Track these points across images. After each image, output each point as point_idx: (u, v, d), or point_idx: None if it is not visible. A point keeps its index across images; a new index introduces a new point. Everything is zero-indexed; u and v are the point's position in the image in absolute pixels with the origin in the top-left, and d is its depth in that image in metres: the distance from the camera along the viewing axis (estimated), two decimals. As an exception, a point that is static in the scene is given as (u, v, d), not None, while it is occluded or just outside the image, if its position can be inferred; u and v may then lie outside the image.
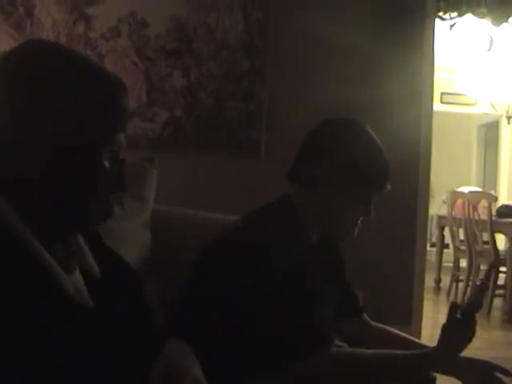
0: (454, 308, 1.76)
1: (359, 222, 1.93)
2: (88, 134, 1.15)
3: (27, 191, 1.13)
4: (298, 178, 1.90)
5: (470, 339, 1.72)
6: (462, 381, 1.73)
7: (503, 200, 9.25)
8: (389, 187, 1.94)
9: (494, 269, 6.27)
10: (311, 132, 1.95)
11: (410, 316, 4.34)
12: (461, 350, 1.73)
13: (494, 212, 6.95)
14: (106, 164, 1.18)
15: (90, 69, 1.18)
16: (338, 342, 2.17)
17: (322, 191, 1.84)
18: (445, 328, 1.76)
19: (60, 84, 1.13)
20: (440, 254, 8.15)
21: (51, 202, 1.15)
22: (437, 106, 6.20)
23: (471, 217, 7.05)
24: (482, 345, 5.17)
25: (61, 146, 1.13)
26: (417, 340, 2.12)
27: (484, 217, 6.84)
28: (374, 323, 2.12)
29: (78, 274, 1.19)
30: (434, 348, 1.76)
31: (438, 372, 1.78)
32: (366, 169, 1.85)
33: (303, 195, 1.89)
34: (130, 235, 2.22)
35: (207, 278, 1.80)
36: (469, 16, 4.52)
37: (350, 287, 2.15)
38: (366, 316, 2.12)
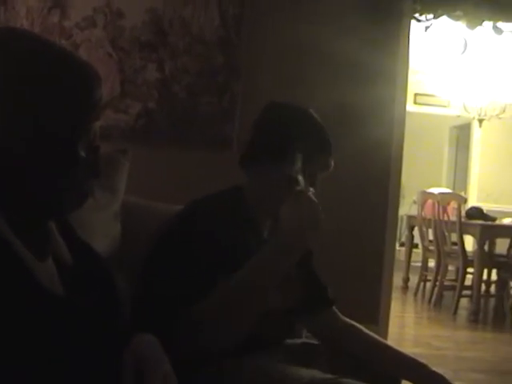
0: (292, 181, 1.76)
1: None
2: (64, 125, 1.15)
3: (1, 178, 1.13)
4: (241, 162, 1.93)
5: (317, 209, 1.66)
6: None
7: (473, 202, 9.34)
8: (331, 164, 1.95)
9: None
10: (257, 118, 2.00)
11: (377, 315, 4.37)
12: (311, 224, 1.66)
13: (463, 213, 7.01)
14: (82, 153, 1.18)
15: (66, 59, 1.18)
16: (306, 340, 2.17)
17: (258, 170, 1.87)
18: (285, 207, 1.68)
19: (36, 75, 1.13)
20: (409, 254, 8.21)
21: (26, 190, 1.14)
22: (410, 107, 6.24)
23: (441, 218, 7.11)
24: (449, 344, 5.22)
25: (37, 136, 1.13)
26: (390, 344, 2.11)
27: (453, 218, 6.90)
28: (344, 318, 2.10)
29: (50, 262, 1.19)
30: (278, 233, 1.68)
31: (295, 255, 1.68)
32: (299, 143, 1.87)
33: (250, 182, 1.92)
34: (100, 226, 2.21)
35: (147, 267, 1.83)
36: (444, 18, 4.55)
37: (318, 279, 2.14)
38: (335, 310, 2.11)
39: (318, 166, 1.92)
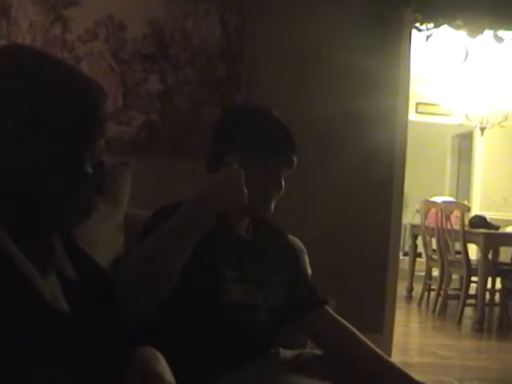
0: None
1: (274, 197, 1.92)
2: (72, 141, 1.16)
3: (7, 195, 1.13)
4: (206, 168, 1.98)
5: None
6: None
7: (476, 210, 9.32)
8: (294, 160, 1.94)
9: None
10: None
11: (381, 324, 4.36)
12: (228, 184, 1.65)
13: (466, 222, 7.00)
14: (89, 169, 1.19)
15: (73, 76, 1.18)
16: (306, 350, 2.16)
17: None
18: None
19: (44, 92, 1.13)
20: (412, 263, 8.19)
21: (33, 205, 1.14)
22: (412, 116, 6.25)
23: (444, 226, 7.10)
24: (454, 353, 5.20)
25: (45, 152, 1.13)
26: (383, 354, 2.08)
27: (457, 227, 6.88)
28: (340, 321, 2.07)
29: (53, 277, 1.18)
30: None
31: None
32: (250, 139, 1.90)
33: None
34: (104, 239, 2.21)
35: None
36: (445, 27, 4.56)
37: (306, 280, 2.13)
38: (328, 309, 2.08)
39: (281, 162, 1.92)
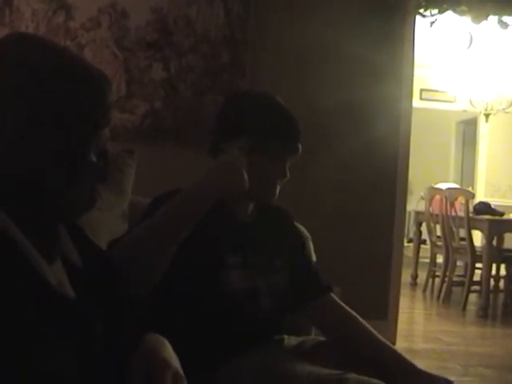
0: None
1: (278, 184, 1.91)
2: (77, 132, 1.15)
3: (13, 183, 1.13)
4: (209, 152, 1.97)
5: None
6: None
7: (480, 197, 9.31)
8: (298, 147, 1.94)
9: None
10: None
11: (386, 311, 4.37)
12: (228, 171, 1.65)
13: (471, 209, 6.99)
14: (93, 158, 1.19)
15: (76, 66, 1.17)
16: (311, 337, 2.17)
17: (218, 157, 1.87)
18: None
19: (48, 82, 1.12)
20: (417, 250, 8.19)
21: (38, 193, 1.14)
22: (416, 103, 6.23)
23: (448, 213, 7.09)
24: (458, 340, 5.21)
25: (50, 142, 1.13)
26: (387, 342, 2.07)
27: (461, 213, 6.88)
28: (341, 304, 2.07)
29: (59, 264, 1.18)
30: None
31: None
32: (253, 126, 1.89)
33: None
34: (108, 227, 2.21)
35: None
36: (449, 13, 4.54)
37: (311, 266, 2.12)
38: (333, 296, 2.08)
39: (285, 150, 1.92)
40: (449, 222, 7.09)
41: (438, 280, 7.61)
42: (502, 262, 6.94)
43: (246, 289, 1.85)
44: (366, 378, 1.71)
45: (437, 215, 7.44)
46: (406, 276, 6.61)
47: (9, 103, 1.12)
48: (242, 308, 1.84)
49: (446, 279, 7.17)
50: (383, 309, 4.34)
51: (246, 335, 1.83)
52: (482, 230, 6.82)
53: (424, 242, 8.45)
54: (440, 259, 7.67)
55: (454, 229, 7.08)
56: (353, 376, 1.70)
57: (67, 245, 1.25)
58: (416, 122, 4.89)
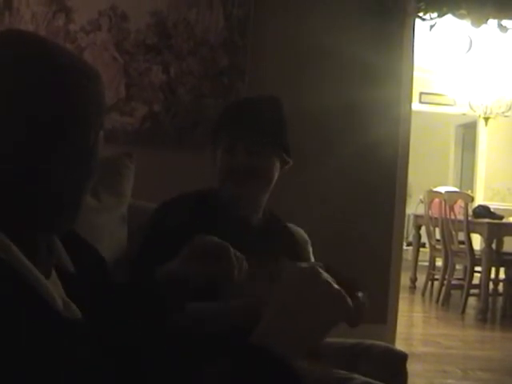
0: None
1: (243, 180, 1.94)
2: (69, 134, 1.12)
3: (6, 193, 1.10)
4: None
5: None
6: None
7: (479, 200, 9.32)
8: (246, 136, 1.96)
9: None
10: None
11: (385, 314, 4.36)
12: None
13: (470, 212, 6.99)
14: (85, 163, 1.15)
15: (73, 65, 1.15)
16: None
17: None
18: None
19: (42, 82, 1.09)
20: (416, 253, 8.19)
21: (28, 197, 1.12)
22: (415, 106, 6.24)
23: (448, 216, 7.10)
24: (457, 343, 5.21)
25: (41, 146, 1.10)
26: None
27: (460, 217, 6.88)
28: None
29: (54, 275, 1.14)
30: None
31: None
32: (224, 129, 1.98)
33: None
34: (107, 229, 2.21)
35: None
36: (449, 17, 4.54)
37: None
38: None
39: (232, 138, 1.97)
40: (448, 226, 7.10)
41: (437, 283, 7.62)
42: (501, 266, 6.93)
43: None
44: (371, 381, 1.71)
45: (436, 218, 7.44)
46: (405, 279, 6.61)
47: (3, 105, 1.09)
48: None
49: (445, 282, 7.17)
50: (382, 312, 4.34)
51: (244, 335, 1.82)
52: (481, 234, 6.83)
53: (423, 245, 8.45)
54: (439, 262, 7.67)
55: (453, 232, 7.08)
56: (360, 377, 1.70)
57: (59, 252, 1.21)
58: (415, 126, 4.89)
